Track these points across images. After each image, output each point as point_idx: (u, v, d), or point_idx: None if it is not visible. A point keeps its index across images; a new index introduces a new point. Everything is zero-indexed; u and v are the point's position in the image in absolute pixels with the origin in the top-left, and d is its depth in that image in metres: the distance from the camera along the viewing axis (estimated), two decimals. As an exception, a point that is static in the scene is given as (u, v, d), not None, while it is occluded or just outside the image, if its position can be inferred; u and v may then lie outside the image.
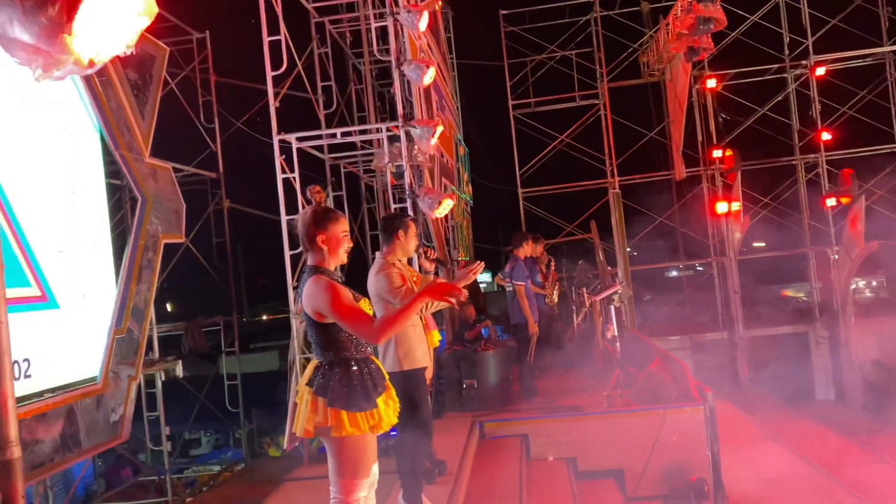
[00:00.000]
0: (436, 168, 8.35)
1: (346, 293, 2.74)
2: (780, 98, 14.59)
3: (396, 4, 6.78)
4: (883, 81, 14.32)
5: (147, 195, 5.66)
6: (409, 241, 4.13)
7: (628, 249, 13.66)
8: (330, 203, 8.55)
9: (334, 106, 9.59)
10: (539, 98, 15.26)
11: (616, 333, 7.34)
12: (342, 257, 2.90)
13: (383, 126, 7.03)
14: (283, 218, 6.47)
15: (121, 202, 8.55)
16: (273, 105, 6.53)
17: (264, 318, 23.08)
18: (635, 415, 6.09)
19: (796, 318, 14.10)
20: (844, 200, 12.80)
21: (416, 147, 6.81)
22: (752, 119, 14.53)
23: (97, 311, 4.95)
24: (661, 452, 5.78)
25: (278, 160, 6.48)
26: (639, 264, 14.88)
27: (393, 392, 2.95)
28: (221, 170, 10.71)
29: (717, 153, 13.68)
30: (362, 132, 7.85)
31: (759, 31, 14.27)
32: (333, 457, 2.79)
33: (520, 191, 15.00)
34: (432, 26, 9.19)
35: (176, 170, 6.88)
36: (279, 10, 6.48)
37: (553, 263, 9.13)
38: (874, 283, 16.74)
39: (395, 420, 2.88)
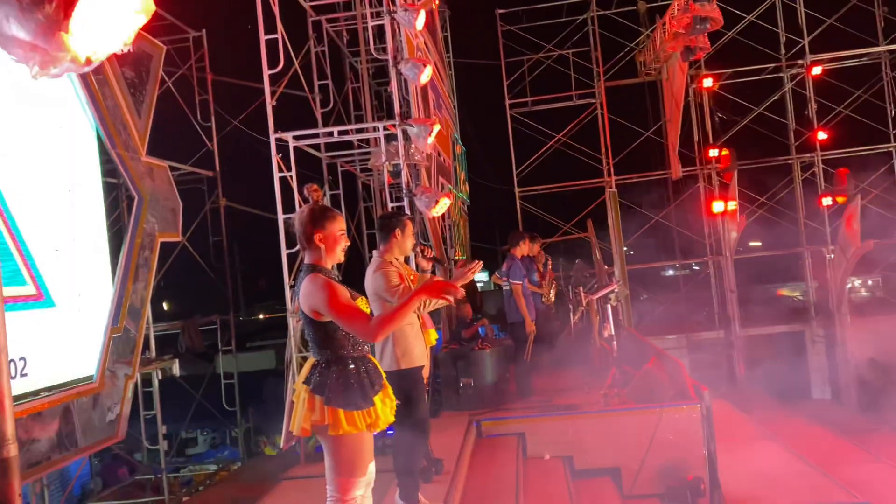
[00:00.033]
0: (433, 167, 8.36)
1: (343, 291, 2.74)
2: (776, 97, 14.60)
3: (393, 3, 6.78)
4: (879, 81, 14.33)
5: (143, 194, 5.65)
6: (406, 240, 4.14)
7: (625, 248, 13.65)
8: (327, 202, 8.54)
9: (331, 104, 9.60)
10: (536, 97, 15.24)
11: (613, 332, 7.33)
12: (339, 256, 2.91)
13: (380, 125, 7.02)
14: (280, 216, 6.46)
15: (117, 201, 8.55)
16: (270, 104, 6.51)
17: (261, 316, 23.10)
18: (632, 413, 6.09)
19: (792, 317, 14.12)
20: (840, 200, 12.85)
21: (412, 146, 6.82)
22: (748, 118, 14.55)
23: (94, 309, 4.94)
24: (658, 451, 5.79)
25: (275, 159, 6.46)
26: (635, 263, 14.87)
27: (390, 390, 2.95)
28: (218, 168, 10.68)
29: (713, 152, 13.71)
30: (359, 131, 7.87)
31: (756, 30, 14.30)
32: (330, 455, 2.79)
33: (516, 190, 14.99)
34: (429, 25, 9.18)
35: (172, 168, 6.87)
36: (276, 9, 6.47)
37: (550, 262, 9.12)
38: (870, 282, 16.75)
39: (392, 418, 2.88)
